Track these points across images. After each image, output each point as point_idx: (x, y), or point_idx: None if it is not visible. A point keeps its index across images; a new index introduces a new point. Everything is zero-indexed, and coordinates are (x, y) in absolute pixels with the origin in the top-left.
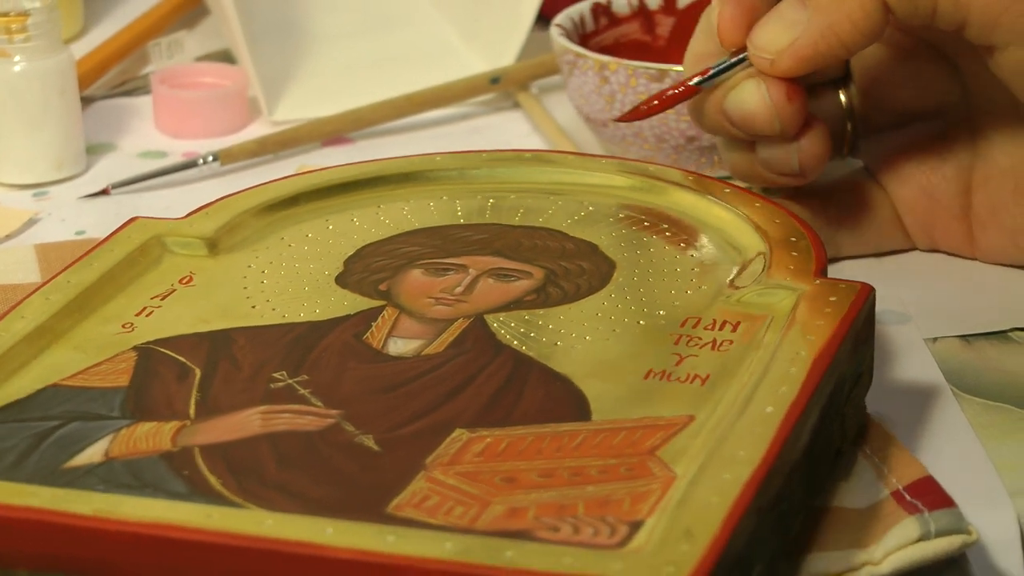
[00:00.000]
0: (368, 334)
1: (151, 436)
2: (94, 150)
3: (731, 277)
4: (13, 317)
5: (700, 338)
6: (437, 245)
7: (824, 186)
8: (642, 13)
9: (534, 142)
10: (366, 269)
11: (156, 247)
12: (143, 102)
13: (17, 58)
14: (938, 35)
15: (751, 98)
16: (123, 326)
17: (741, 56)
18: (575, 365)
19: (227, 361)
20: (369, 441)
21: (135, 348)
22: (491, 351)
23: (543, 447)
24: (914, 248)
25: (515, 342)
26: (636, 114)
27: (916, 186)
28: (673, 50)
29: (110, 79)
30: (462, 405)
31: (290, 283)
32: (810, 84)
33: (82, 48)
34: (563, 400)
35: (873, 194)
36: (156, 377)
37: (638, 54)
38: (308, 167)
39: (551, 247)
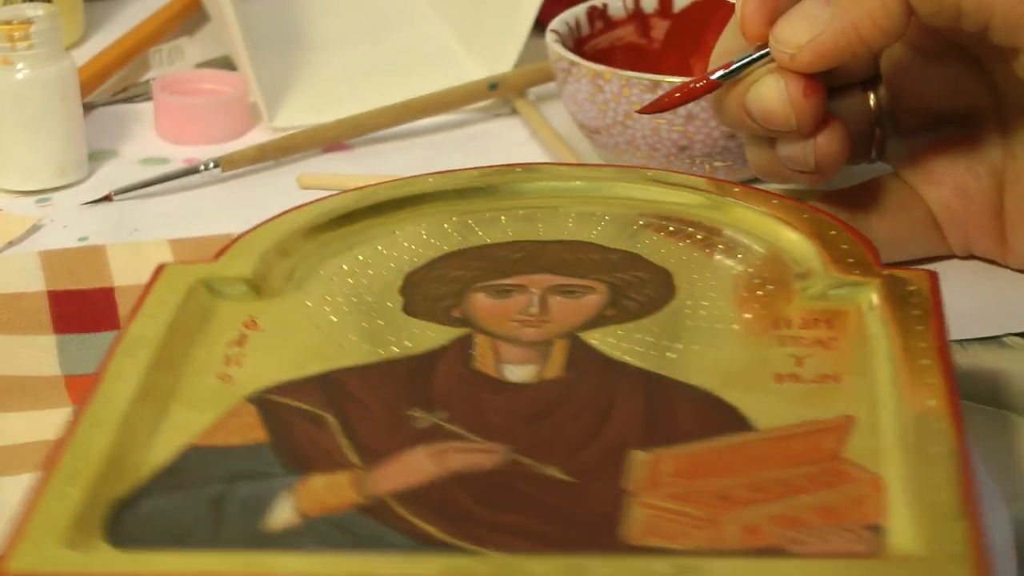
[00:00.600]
0: (476, 363)
1: (332, 490)
2: (96, 156)
3: (794, 275)
4: (110, 379)
5: (803, 337)
6: (482, 267)
7: (857, 191)
8: (638, 16)
9: (531, 149)
10: (427, 298)
11: (204, 293)
12: (144, 108)
13: (20, 65)
14: (965, 37)
15: (769, 92)
16: (219, 377)
17: (764, 51)
18: (703, 376)
19: (352, 404)
20: (557, 472)
21: (248, 400)
22: (612, 369)
23: (732, 461)
24: (951, 255)
25: (627, 357)
26: (659, 105)
27: (950, 186)
28: (668, 53)
29: (111, 85)
30: (621, 427)
31: (361, 319)
32: (839, 85)
33: (83, 54)
34: (717, 413)
35: (907, 197)
36: (293, 428)
37: (633, 57)
38: (308, 175)
39: (596, 259)
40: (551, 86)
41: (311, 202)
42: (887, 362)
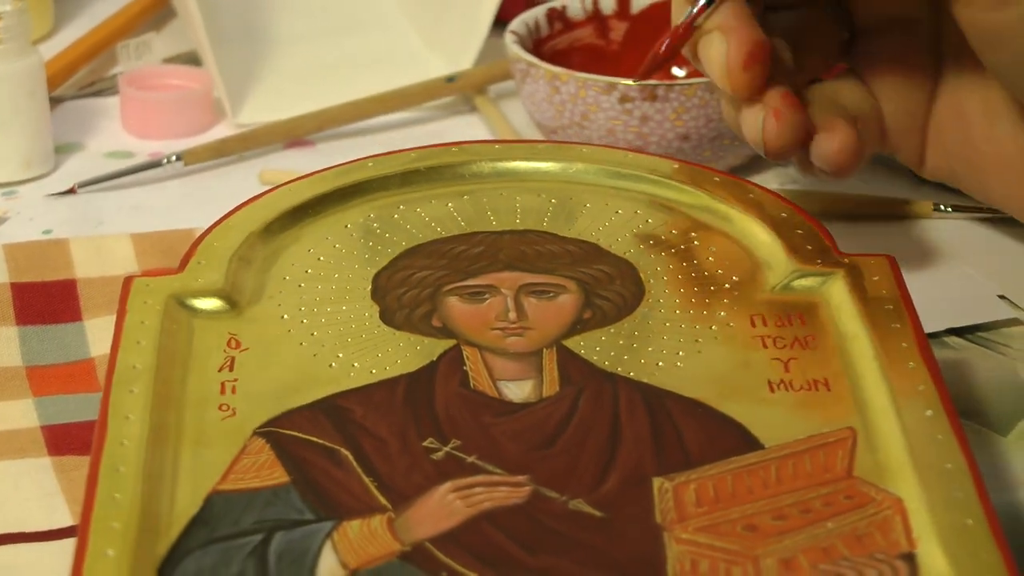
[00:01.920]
0: (473, 382)
1: (369, 538)
2: (62, 150)
3: (755, 265)
4: (115, 418)
5: (783, 337)
6: (444, 265)
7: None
8: (596, 18)
9: None
10: (401, 304)
11: (180, 311)
12: (111, 103)
13: None
14: None
15: (713, 52)
16: (221, 409)
17: None
18: (699, 387)
19: (363, 435)
20: (585, 506)
21: (258, 435)
22: (606, 382)
23: (750, 486)
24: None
25: (618, 368)
26: (652, 62)
27: (899, 101)
28: (626, 55)
29: (79, 79)
30: (633, 450)
31: (343, 332)
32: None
33: (53, 47)
34: (723, 430)
35: (865, 99)
36: (311, 467)
37: (592, 58)
38: (270, 171)
39: (555, 251)
40: (511, 84)
41: (261, 195)
42: (872, 365)
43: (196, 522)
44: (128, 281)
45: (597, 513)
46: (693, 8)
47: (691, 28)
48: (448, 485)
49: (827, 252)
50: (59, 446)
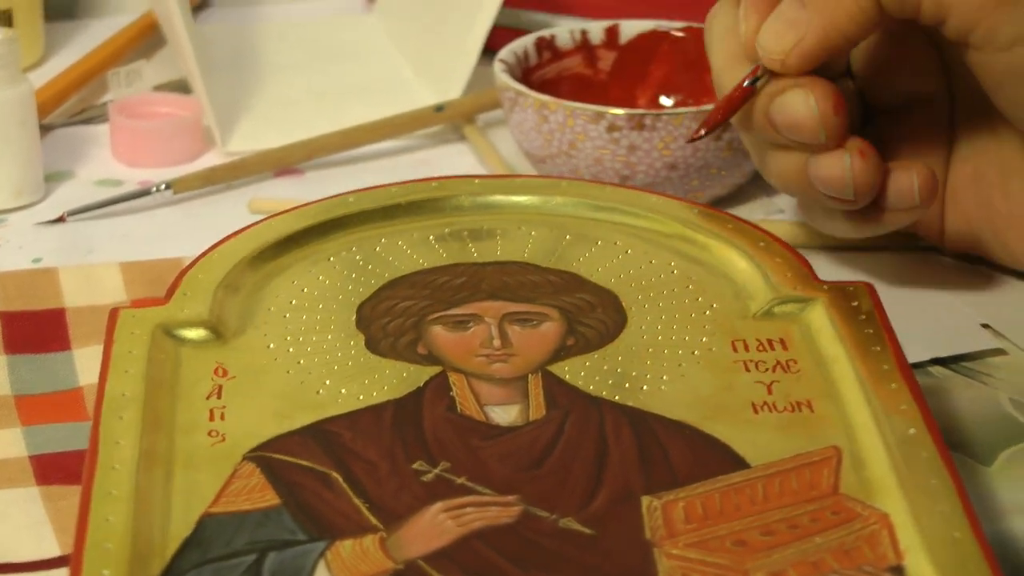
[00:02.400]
0: (460, 407)
1: (362, 557)
2: (52, 178)
3: (735, 291)
4: (106, 444)
5: (764, 361)
6: (428, 295)
7: None
8: (585, 48)
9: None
10: (385, 333)
11: (167, 341)
12: (101, 130)
13: None
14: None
15: (797, 106)
16: (210, 435)
17: None
18: (683, 410)
19: (353, 458)
20: (575, 524)
21: (248, 459)
22: (591, 406)
23: (738, 503)
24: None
25: (603, 392)
26: (708, 124)
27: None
28: (614, 84)
29: (70, 107)
30: (621, 470)
31: (330, 360)
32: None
33: (43, 75)
34: (709, 450)
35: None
36: (302, 489)
37: (580, 87)
38: (259, 200)
39: (536, 281)
40: (499, 112)
41: (246, 228)
42: (855, 386)
43: (189, 544)
44: (115, 312)
45: (587, 531)
46: (756, 73)
47: (749, 90)
48: (439, 505)
49: (806, 279)
50: (47, 475)
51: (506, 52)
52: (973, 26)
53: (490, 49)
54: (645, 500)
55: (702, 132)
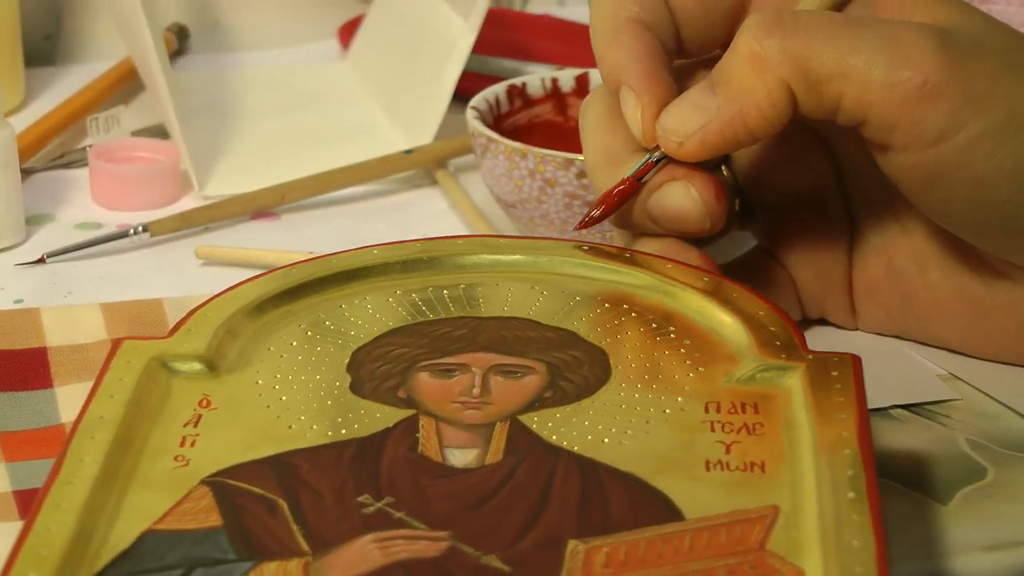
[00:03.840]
0: (421, 447)
1: None
2: (33, 220)
3: (724, 357)
4: (71, 461)
5: (732, 423)
6: (424, 344)
7: (735, 264)
8: (555, 95)
9: (451, 219)
10: (373, 376)
11: (161, 371)
12: (81, 174)
13: None
14: (820, 121)
15: (680, 200)
16: (176, 459)
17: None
18: (636, 462)
19: (303, 488)
20: (495, 562)
21: (204, 483)
22: (549, 454)
23: (661, 552)
24: (802, 318)
25: (564, 442)
26: (591, 221)
27: (811, 269)
28: None
29: (50, 151)
30: (557, 515)
31: (311, 398)
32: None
33: (24, 120)
34: (649, 501)
35: (776, 273)
36: (246, 513)
37: (551, 134)
38: (205, 247)
39: (532, 337)
40: (471, 157)
41: (261, 274)
42: (809, 451)
43: (123, 556)
44: (117, 342)
45: (506, 568)
46: (652, 158)
47: (636, 184)
48: (371, 536)
49: (794, 348)
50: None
51: (478, 99)
52: (895, 124)
53: (460, 95)
54: (571, 544)
55: (587, 223)
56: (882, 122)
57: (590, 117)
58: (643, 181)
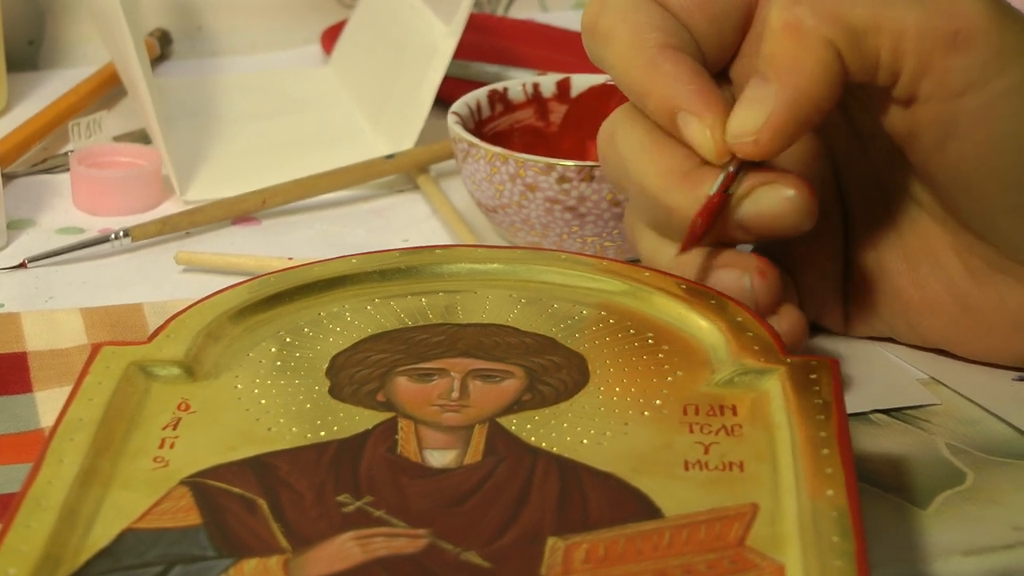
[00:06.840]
0: (400, 448)
1: (263, 574)
2: (15, 225)
3: (703, 362)
4: (50, 462)
5: (710, 425)
6: (403, 350)
7: None
8: (536, 100)
9: (432, 224)
10: (351, 381)
11: (139, 376)
12: (63, 179)
13: None
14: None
15: (775, 203)
16: (155, 460)
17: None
18: (616, 462)
19: (283, 488)
20: (476, 558)
21: (183, 484)
22: (528, 454)
23: (640, 548)
24: None
25: (543, 443)
26: (692, 241)
27: (814, 271)
28: (565, 135)
29: (31, 156)
30: (536, 513)
31: (290, 402)
32: None
33: (5, 126)
34: (628, 500)
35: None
36: (226, 512)
37: (532, 139)
38: (186, 252)
39: (512, 343)
40: (452, 163)
41: (241, 282)
42: (789, 451)
43: (103, 553)
44: (96, 347)
45: (485, 564)
46: (722, 178)
47: (724, 196)
48: (350, 533)
49: (773, 352)
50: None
51: (459, 104)
52: (925, 71)
53: (442, 100)
54: (551, 540)
55: (689, 245)
56: (914, 70)
57: (631, 142)
58: (729, 193)
